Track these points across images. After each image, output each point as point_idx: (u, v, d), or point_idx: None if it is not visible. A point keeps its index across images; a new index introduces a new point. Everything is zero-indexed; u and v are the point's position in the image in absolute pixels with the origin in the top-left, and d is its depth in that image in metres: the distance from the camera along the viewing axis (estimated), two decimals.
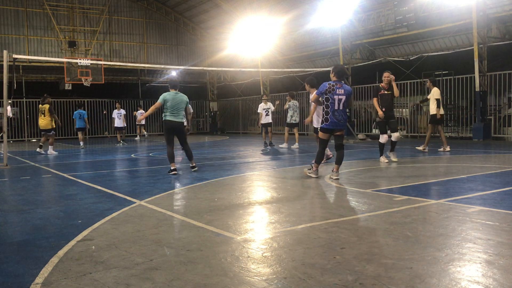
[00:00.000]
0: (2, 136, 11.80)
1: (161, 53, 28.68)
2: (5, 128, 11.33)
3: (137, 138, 22.41)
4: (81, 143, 16.80)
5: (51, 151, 13.81)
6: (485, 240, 3.55)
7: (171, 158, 8.26)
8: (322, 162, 7.11)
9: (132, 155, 12.91)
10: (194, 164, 8.60)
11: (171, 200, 5.75)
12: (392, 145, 9.50)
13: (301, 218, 4.54)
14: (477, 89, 16.07)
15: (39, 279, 2.93)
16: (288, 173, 8.16)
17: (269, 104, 14.80)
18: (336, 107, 6.82)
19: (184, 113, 8.36)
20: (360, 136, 18.39)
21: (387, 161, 9.23)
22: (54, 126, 13.94)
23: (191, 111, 8.41)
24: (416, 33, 18.48)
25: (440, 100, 11.51)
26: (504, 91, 16.24)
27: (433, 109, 11.58)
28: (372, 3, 19.29)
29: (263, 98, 15.23)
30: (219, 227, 4.18)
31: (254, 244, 3.65)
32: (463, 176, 7.08)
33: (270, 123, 14.77)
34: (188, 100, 8.49)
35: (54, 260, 3.31)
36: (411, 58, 19.64)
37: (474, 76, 16.19)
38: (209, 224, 4.30)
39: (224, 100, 31.42)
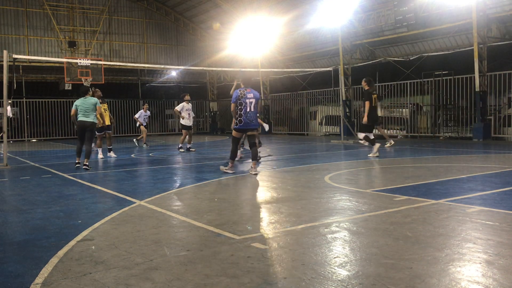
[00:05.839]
0: (2, 136, 11.79)
1: (161, 53, 28.68)
2: (5, 128, 11.32)
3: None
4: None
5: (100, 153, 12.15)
6: (485, 240, 3.55)
7: (78, 153, 9.58)
8: (236, 159, 8.22)
9: (132, 155, 12.92)
10: (87, 163, 9.34)
11: (171, 200, 5.75)
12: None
13: (301, 218, 4.54)
14: (477, 89, 16.07)
15: (39, 279, 2.93)
16: (288, 173, 8.16)
17: None
18: (248, 110, 7.85)
19: (94, 113, 9.50)
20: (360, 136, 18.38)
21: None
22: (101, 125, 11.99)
23: (100, 111, 9.81)
24: (416, 33, 18.48)
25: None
26: (504, 91, 16.23)
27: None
28: (372, 3, 19.29)
29: None
30: (219, 227, 4.18)
31: (254, 244, 3.65)
32: (463, 176, 7.08)
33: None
34: (96, 102, 9.55)
35: (54, 260, 3.31)
36: (411, 58, 19.63)
37: (474, 76, 16.19)
38: (209, 224, 4.30)
39: (224, 100, 31.41)
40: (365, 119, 10.29)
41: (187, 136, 13.62)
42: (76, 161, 9.59)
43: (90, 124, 9.41)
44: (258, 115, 8.29)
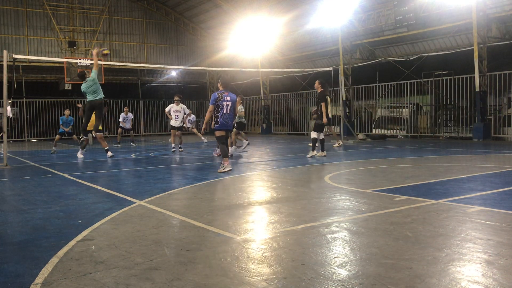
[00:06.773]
0: (2, 136, 11.78)
1: (161, 53, 28.67)
2: (5, 128, 11.32)
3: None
4: None
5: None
6: (485, 240, 3.55)
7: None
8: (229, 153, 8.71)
9: (133, 155, 12.92)
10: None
11: (171, 200, 5.75)
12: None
13: (301, 218, 4.54)
14: (477, 89, 16.07)
15: (39, 279, 2.93)
16: (288, 173, 8.16)
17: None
18: (224, 111, 8.23)
19: (100, 90, 10.14)
20: (360, 136, 18.39)
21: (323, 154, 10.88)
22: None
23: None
24: (416, 33, 18.47)
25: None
26: (504, 91, 16.23)
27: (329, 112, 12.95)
28: (372, 3, 19.29)
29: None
30: (219, 227, 4.18)
31: (254, 244, 3.65)
32: (463, 176, 7.08)
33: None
34: (93, 78, 10.05)
35: (54, 260, 3.31)
36: (411, 58, 19.62)
37: (474, 76, 16.19)
38: (209, 224, 4.30)
39: None
40: (325, 120, 10.71)
41: (176, 136, 13.83)
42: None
43: (99, 102, 9.96)
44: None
